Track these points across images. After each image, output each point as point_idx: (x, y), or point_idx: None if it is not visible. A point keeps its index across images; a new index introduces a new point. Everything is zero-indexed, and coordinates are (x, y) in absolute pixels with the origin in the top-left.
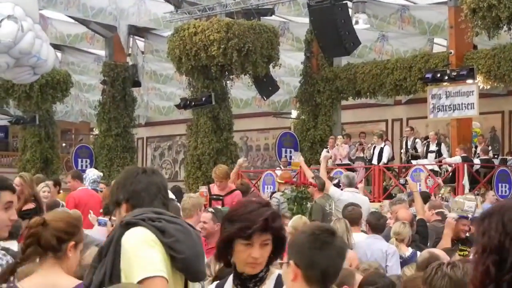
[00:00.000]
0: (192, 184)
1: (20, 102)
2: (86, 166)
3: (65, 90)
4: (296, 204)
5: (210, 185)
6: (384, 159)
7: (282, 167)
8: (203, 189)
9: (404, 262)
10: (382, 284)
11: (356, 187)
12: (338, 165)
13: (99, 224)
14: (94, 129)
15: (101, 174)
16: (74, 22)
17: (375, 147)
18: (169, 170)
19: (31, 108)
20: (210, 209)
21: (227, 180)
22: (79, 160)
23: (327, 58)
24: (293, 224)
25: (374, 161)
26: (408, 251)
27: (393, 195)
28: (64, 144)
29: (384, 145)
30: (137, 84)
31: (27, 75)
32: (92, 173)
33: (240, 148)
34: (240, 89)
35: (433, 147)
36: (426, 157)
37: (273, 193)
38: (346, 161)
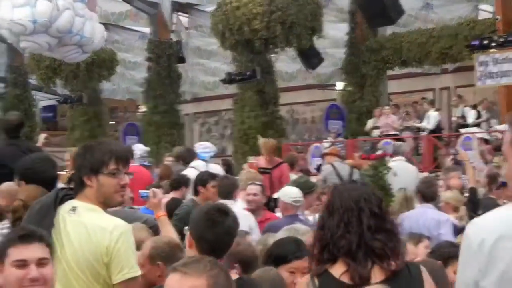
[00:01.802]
0: (240, 158)
1: (67, 82)
2: (137, 144)
3: (111, 69)
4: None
5: (256, 159)
6: (433, 126)
7: (331, 139)
8: (252, 160)
9: (457, 230)
10: None
11: (404, 156)
12: (386, 135)
13: (141, 197)
14: (141, 107)
15: (148, 149)
16: (117, 0)
17: (424, 115)
18: (217, 145)
19: (78, 87)
20: (258, 182)
21: (274, 153)
22: (127, 137)
23: (371, 28)
24: None
25: (426, 127)
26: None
27: (444, 164)
28: (112, 122)
29: (433, 113)
30: (182, 60)
31: (75, 54)
32: (139, 149)
33: (286, 121)
34: (285, 62)
35: (484, 115)
36: (477, 125)
37: (320, 165)
38: (393, 131)
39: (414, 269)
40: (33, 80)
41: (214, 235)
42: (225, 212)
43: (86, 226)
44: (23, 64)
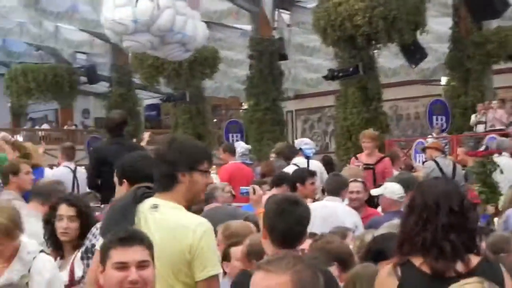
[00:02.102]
0: (343, 155)
1: (170, 80)
2: (237, 141)
3: (213, 66)
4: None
5: (358, 155)
6: None
7: (435, 135)
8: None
9: None
10: None
11: (508, 152)
12: (492, 130)
13: (241, 194)
14: (243, 104)
15: (249, 147)
16: None
17: None
18: (320, 142)
19: (181, 85)
20: (360, 179)
21: (376, 144)
22: (230, 135)
23: (476, 22)
24: None
25: None
26: None
27: None
28: (215, 120)
29: None
30: (284, 57)
31: (179, 52)
32: (240, 147)
33: (390, 117)
34: (388, 58)
35: None
36: None
37: (424, 161)
38: (500, 126)
39: (495, 266)
40: (136, 79)
41: (285, 224)
42: (296, 202)
43: (169, 224)
44: (127, 63)
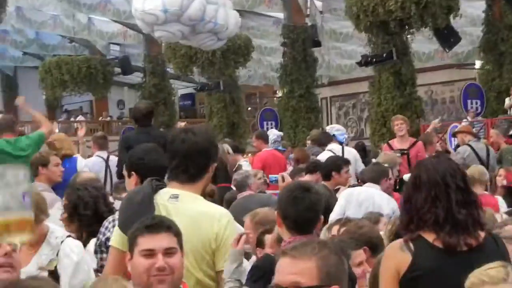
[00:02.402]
0: (377, 141)
1: (204, 69)
2: (271, 129)
3: (246, 55)
4: None
5: (389, 141)
6: None
7: (470, 119)
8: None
9: None
10: None
11: None
12: None
13: (271, 181)
14: (277, 92)
15: (281, 133)
16: None
17: None
18: (355, 128)
19: (214, 74)
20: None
21: (408, 127)
22: (265, 123)
23: (509, 4)
24: None
25: None
26: None
27: None
28: (249, 108)
29: None
30: (317, 44)
31: (211, 41)
32: (272, 134)
33: (424, 102)
34: (421, 43)
35: None
36: None
37: (457, 146)
38: None
39: (499, 240)
40: (170, 69)
41: (296, 211)
42: (307, 189)
43: (193, 213)
44: (160, 53)
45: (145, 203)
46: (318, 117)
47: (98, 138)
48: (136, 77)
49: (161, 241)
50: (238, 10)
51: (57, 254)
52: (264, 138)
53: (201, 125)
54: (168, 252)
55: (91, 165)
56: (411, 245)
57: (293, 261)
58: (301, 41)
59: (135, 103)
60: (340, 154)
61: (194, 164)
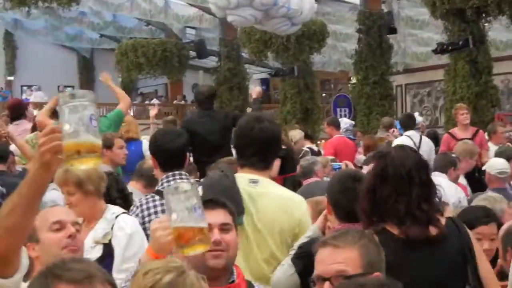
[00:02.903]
0: (452, 129)
1: (278, 55)
2: (345, 115)
3: (321, 41)
4: None
5: (450, 130)
6: None
7: None
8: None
9: None
10: None
11: None
12: None
13: (334, 169)
14: (352, 78)
15: (352, 122)
16: None
17: None
18: (429, 116)
19: (289, 60)
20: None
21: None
22: (338, 109)
23: None
24: None
25: None
26: None
27: None
28: (324, 94)
29: None
30: (393, 31)
31: (285, 26)
32: (343, 122)
33: (501, 91)
34: (499, 31)
35: None
36: None
37: None
38: None
39: (458, 222)
40: (245, 54)
41: (347, 201)
42: (358, 179)
43: (277, 197)
44: (235, 38)
45: (233, 188)
46: (392, 104)
47: (168, 122)
48: (211, 61)
49: (217, 216)
50: None
51: (112, 228)
52: (335, 124)
53: (265, 113)
54: (224, 228)
55: None
56: (375, 237)
57: (336, 251)
58: (377, 28)
59: (198, 87)
60: (417, 142)
61: (271, 152)
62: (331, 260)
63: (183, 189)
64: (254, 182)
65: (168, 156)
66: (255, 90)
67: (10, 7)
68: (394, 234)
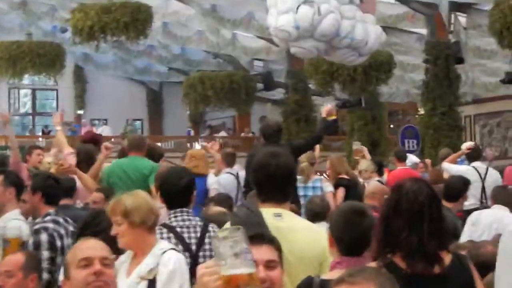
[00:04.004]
0: None
1: (345, 86)
2: (413, 147)
3: (388, 71)
4: None
5: None
6: None
7: None
8: None
9: None
10: None
11: None
12: None
13: None
14: (420, 109)
15: (418, 160)
16: (394, 2)
17: None
18: (498, 147)
19: (355, 91)
20: None
21: None
22: (406, 140)
23: None
24: None
25: None
26: None
27: None
28: (391, 126)
29: None
30: (461, 61)
31: (352, 57)
32: (408, 160)
33: None
34: None
35: None
36: None
37: None
38: None
39: (463, 261)
40: (312, 85)
41: (351, 236)
42: (362, 213)
43: (301, 228)
44: (302, 69)
45: (262, 223)
46: (461, 135)
47: (227, 155)
48: (278, 93)
49: (263, 253)
50: (381, 26)
51: (158, 264)
52: (398, 156)
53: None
54: (269, 265)
55: (223, 182)
56: (383, 270)
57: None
58: (444, 58)
59: (264, 120)
60: (483, 174)
61: (289, 184)
62: None
63: (232, 234)
64: (278, 215)
65: (173, 195)
66: (325, 108)
67: (79, 42)
68: (400, 267)
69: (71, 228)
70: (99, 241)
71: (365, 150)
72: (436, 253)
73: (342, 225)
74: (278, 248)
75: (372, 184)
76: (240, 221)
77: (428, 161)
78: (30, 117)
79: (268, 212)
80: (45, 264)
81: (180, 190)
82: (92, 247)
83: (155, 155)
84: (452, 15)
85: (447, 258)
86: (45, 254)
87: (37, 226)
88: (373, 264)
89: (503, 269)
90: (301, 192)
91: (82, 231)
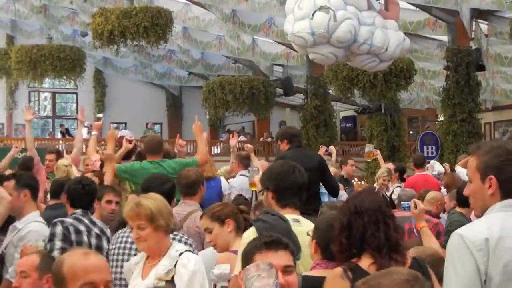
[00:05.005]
0: None
1: (365, 92)
2: (432, 153)
3: (408, 78)
4: None
5: None
6: None
7: None
8: None
9: None
10: None
11: None
12: None
13: (402, 208)
14: (439, 116)
15: (443, 170)
16: (415, 9)
17: None
18: None
19: (375, 97)
20: None
21: None
22: (425, 147)
23: None
24: None
25: None
26: None
27: None
28: (411, 132)
29: None
30: (481, 68)
31: (373, 63)
32: (436, 167)
33: None
34: None
35: None
36: None
37: None
38: None
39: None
40: (331, 91)
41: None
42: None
43: None
44: (322, 75)
45: (289, 229)
46: (480, 142)
47: (242, 158)
48: (298, 98)
49: (280, 258)
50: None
51: (175, 265)
52: (415, 162)
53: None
54: (286, 270)
55: (238, 185)
56: (349, 273)
57: None
58: (465, 65)
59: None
60: None
61: (305, 191)
62: None
63: (264, 267)
64: (297, 221)
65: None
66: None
67: (99, 46)
68: (364, 270)
69: (96, 230)
70: (102, 259)
71: (378, 153)
72: (400, 248)
73: (324, 231)
74: (292, 252)
75: (432, 193)
76: (269, 226)
77: (447, 165)
78: (50, 120)
79: (289, 218)
80: (55, 253)
81: (163, 195)
82: (97, 269)
83: (169, 158)
84: (473, 22)
85: (407, 262)
86: (58, 244)
87: (55, 220)
88: (339, 269)
89: (448, 268)
90: None
91: None
